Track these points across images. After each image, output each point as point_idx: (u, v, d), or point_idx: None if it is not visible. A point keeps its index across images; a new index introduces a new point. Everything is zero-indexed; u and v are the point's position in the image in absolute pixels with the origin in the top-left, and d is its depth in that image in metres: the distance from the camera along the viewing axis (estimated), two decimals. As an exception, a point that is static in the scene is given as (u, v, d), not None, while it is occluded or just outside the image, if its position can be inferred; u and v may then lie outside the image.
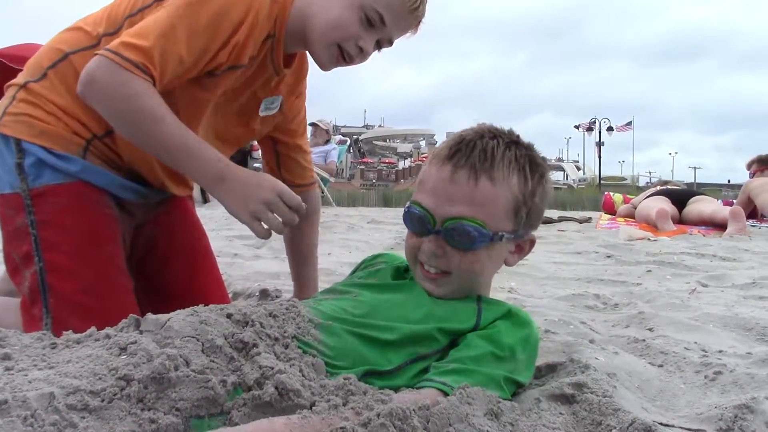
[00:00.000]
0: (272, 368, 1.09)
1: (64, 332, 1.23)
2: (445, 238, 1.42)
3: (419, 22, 1.78)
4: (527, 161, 1.45)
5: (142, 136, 1.55)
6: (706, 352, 1.75)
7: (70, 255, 1.63)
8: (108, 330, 1.20)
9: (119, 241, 1.74)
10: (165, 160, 1.61)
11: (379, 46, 1.79)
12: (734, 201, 7.45)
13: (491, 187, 1.40)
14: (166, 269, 1.94)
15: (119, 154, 1.72)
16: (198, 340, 1.13)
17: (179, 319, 1.17)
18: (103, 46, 1.56)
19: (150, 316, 1.20)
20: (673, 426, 1.21)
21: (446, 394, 1.19)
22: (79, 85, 1.53)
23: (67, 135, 1.66)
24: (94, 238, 1.67)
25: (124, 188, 1.75)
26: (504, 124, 1.50)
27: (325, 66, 1.80)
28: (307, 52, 1.85)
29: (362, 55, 1.76)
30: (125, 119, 1.54)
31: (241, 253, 3.92)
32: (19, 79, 1.73)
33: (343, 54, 1.75)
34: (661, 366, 1.66)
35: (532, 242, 1.53)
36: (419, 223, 1.44)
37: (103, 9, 1.77)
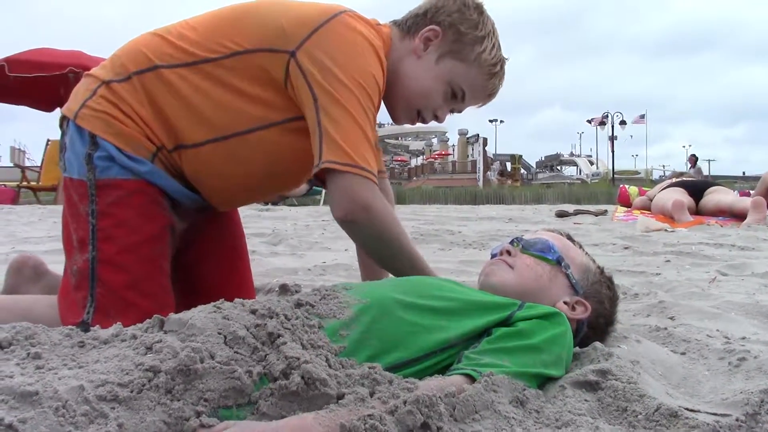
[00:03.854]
0: (298, 358, 1.10)
1: (92, 329, 1.24)
2: (522, 244, 1.65)
3: (489, 101, 1.93)
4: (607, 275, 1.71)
5: (389, 258, 1.74)
6: (728, 339, 1.74)
7: (123, 249, 1.67)
8: (134, 330, 1.21)
9: (168, 242, 1.77)
10: (392, 269, 1.77)
11: (450, 112, 1.92)
12: (751, 192, 7.39)
13: (573, 244, 1.71)
14: (203, 264, 1.98)
15: (183, 169, 1.77)
16: (220, 333, 1.14)
17: (201, 316, 1.18)
18: (201, 68, 1.70)
19: (173, 315, 1.21)
20: (699, 411, 1.20)
21: (474, 379, 1.19)
22: (353, 212, 1.63)
23: (141, 139, 1.71)
24: (149, 236, 1.71)
25: (183, 195, 1.79)
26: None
27: (398, 121, 1.95)
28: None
29: (436, 120, 1.90)
30: (386, 245, 1.70)
31: (259, 250, 3.94)
32: (101, 72, 1.76)
33: (419, 116, 1.88)
34: (683, 353, 1.65)
35: (585, 308, 1.59)
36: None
37: (194, 29, 1.77)
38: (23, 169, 13.53)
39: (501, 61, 1.86)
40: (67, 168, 1.74)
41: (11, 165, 15.75)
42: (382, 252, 1.74)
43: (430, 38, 1.81)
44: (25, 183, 12.98)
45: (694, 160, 25.08)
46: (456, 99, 1.86)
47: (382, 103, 1.88)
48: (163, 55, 1.73)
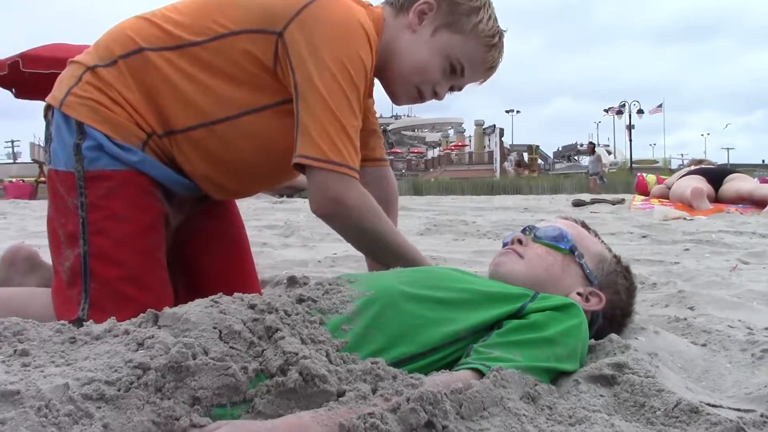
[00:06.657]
0: (296, 354, 1.05)
1: (85, 324, 1.20)
2: (534, 232, 1.58)
3: (490, 77, 1.89)
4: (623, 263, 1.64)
5: (370, 249, 1.77)
6: (751, 329, 1.68)
7: (117, 242, 1.62)
8: (127, 325, 1.16)
9: (163, 233, 1.73)
10: (380, 260, 1.74)
11: (450, 90, 1.88)
12: (772, 179, 7.27)
13: (588, 232, 1.65)
14: (203, 258, 1.93)
15: (174, 155, 1.72)
16: (215, 328, 1.09)
17: (197, 311, 1.14)
18: (187, 52, 1.65)
19: (167, 310, 1.17)
20: (721, 407, 1.14)
21: (483, 374, 1.14)
22: (326, 206, 1.63)
23: (130, 126, 1.66)
24: (142, 227, 1.66)
25: (177, 183, 1.74)
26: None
27: (398, 101, 1.90)
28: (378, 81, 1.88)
29: (435, 97, 1.86)
30: (363, 237, 1.70)
31: (270, 242, 3.91)
32: (86, 58, 1.71)
33: (419, 94, 1.84)
34: (704, 345, 1.59)
35: (599, 299, 1.53)
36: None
37: (179, 12, 1.73)
38: (41, 164, 13.63)
39: (499, 33, 1.82)
40: (53, 160, 1.69)
41: (31, 161, 15.87)
42: (361, 243, 1.76)
43: (424, 11, 1.78)
44: (42, 178, 13.08)
45: (592, 147, 25.32)
46: (455, 74, 1.81)
47: (381, 86, 1.85)
48: (149, 37, 1.68)
